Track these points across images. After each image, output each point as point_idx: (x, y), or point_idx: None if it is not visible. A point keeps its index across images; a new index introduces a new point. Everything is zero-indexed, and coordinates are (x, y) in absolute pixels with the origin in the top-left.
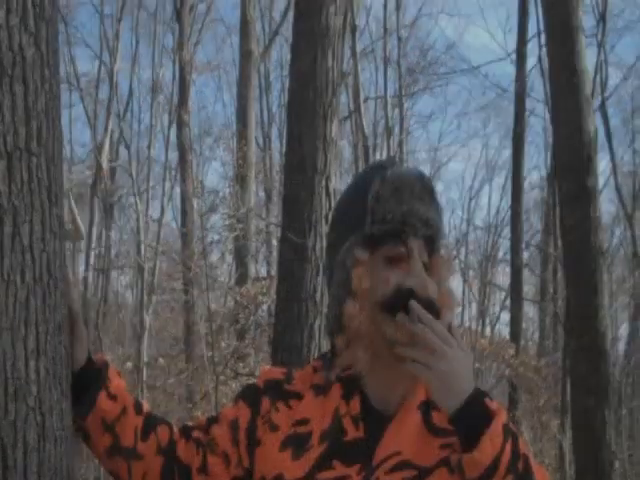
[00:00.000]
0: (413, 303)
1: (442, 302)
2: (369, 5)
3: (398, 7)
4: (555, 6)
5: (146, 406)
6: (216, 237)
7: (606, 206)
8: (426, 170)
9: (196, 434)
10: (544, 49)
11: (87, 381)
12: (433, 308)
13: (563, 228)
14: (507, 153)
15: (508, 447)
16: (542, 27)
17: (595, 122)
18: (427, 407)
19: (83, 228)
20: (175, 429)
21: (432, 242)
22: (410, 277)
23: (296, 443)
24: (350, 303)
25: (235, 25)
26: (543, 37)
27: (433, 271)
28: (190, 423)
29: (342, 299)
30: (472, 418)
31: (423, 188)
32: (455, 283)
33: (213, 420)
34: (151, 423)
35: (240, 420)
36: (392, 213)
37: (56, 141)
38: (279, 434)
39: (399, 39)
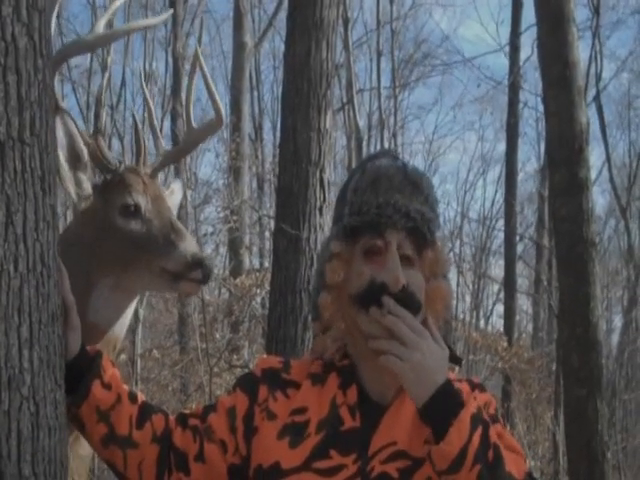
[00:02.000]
0: (385, 298)
1: (431, 296)
2: None
3: None
4: None
5: (141, 396)
6: (210, 229)
7: (600, 198)
8: (421, 162)
9: (193, 422)
10: None
11: (81, 370)
12: (410, 302)
13: (555, 219)
14: (502, 146)
15: (476, 437)
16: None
17: (587, 113)
18: None
19: (223, 111)
20: (171, 418)
21: (419, 234)
22: (384, 271)
23: (293, 432)
24: (323, 294)
25: (227, 17)
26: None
27: (423, 264)
28: (187, 411)
29: (319, 289)
30: (441, 409)
31: (405, 180)
32: (449, 275)
33: (210, 408)
34: (146, 412)
35: (237, 408)
36: (368, 205)
37: (49, 131)
38: (277, 423)
39: (393, 31)
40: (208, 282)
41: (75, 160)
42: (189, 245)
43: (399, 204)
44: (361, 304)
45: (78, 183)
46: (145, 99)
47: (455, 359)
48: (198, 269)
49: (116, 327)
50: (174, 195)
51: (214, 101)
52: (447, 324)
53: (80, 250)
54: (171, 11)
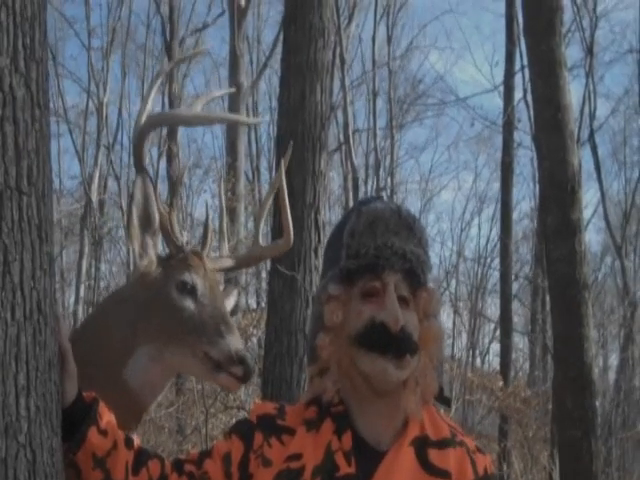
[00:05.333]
0: None
1: (424, 337)
2: (360, 37)
3: (389, 40)
4: (539, 42)
5: (137, 441)
6: None
7: (595, 236)
8: (416, 201)
9: (189, 468)
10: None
11: (77, 417)
12: (408, 343)
13: (548, 261)
14: (497, 185)
15: None
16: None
17: (579, 156)
18: (422, 444)
19: (292, 238)
20: (167, 463)
21: (414, 276)
22: (383, 311)
23: (288, 478)
24: (321, 335)
25: (224, 58)
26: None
27: (417, 305)
28: (182, 457)
29: (316, 332)
30: None
31: (399, 222)
32: (445, 314)
33: (206, 454)
34: (142, 458)
35: (233, 454)
36: (366, 247)
37: (46, 180)
38: (272, 469)
39: (390, 72)
40: (247, 381)
41: (146, 223)
42: (236, 340)
43: (396, 246)
44: (361, 343)
45: (143, 245)
46: (220, 208)
47: (444, 400)
48: (240, 366)
49: (147, 399)
50: (228, 299)
51: (286, 224)
52: (439, 364)
53: (132, 309)
54: (264, 119)
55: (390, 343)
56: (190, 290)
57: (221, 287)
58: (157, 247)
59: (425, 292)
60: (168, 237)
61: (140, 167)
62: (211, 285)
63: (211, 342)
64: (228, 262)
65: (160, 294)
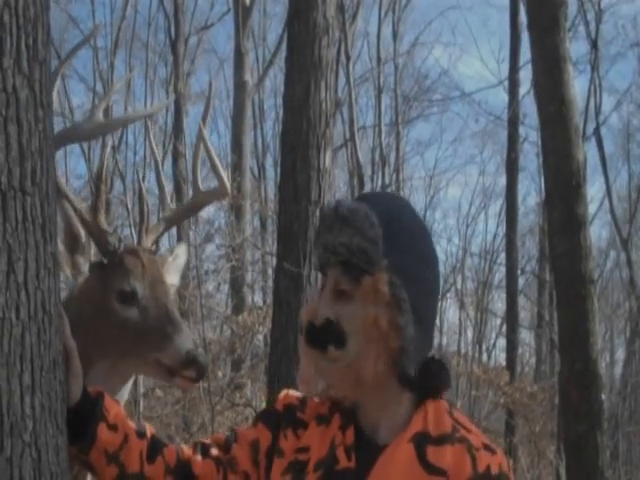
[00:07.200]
0: None
1: (364, 324)
2: (367, 31)
3: (395, 36)
4: (543, 37)
5: (150, 429)
6: (212, 267)
7: (601, 230)
8: (422, 198)
9: (215, 452)
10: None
11: (84, 414)
12: (326, 334)
13: (553, 256)
14: (503, 180)
15: None
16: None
17: (584, 150)
18: (423, 440)
19: (229, 183)
20: (184, 448)
21: (352, 266)
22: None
23: (295, 469)
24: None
25: (228, 55)
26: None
27: (361, 294)
28: (207, 440)
29: None
30: None
31: (334, 218)
32: (451, 310)
33: (232, 439)
34: (157, 445)
35: (261, 442)
36: (314, 248)
37: (50, 180)
38: (284, 460)
39: (396, 67)
40: (202, 379)
41: (73, 243)
42: (184, 340)
43: (328, 243)
44: (305, 340)
45: (75, 265)
46: (155, 161)
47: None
48: (192, 368)
49: None
50: (178, 259)
51: (218, 175)
52: (402, 352)
53: (80, 329)
54: (171, 98)
55: (315, 337)
56: (131, 297)
57: (170, 256)
58: (89, 258)
59: (367, 280)
60: (99, 245)
61: (57, 190)
62: (151, 280)
63: (160, 348)
64: (169, 222)
65: (103, 307)
